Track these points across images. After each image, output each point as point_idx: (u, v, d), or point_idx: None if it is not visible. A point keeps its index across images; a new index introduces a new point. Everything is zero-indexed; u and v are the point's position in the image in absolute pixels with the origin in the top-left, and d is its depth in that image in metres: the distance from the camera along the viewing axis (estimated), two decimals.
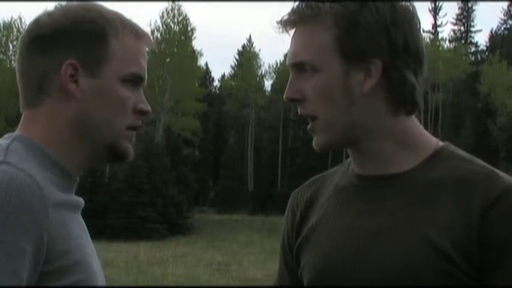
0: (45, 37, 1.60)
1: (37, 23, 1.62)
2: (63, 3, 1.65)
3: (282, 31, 1.71)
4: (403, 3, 1.68)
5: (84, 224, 1.65)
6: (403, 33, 1.65)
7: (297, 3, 1.69)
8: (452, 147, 1.74)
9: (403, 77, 1.66)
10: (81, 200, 1.65)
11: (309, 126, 1.70)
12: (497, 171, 1.67)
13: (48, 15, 1.62)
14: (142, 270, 26.51)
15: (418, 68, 1.68)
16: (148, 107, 1.66)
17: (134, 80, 1.63)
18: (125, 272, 24.46)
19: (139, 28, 1.67)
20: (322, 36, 1.65)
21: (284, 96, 1.71)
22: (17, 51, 1.64)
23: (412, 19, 1.68)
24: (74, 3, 1.64)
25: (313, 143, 1.71)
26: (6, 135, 1.61)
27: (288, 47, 1.72)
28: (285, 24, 1.69)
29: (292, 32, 1.71)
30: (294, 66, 1.69)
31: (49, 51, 1.59)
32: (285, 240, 1.87)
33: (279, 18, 1.70)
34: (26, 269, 1.42)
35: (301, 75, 1.68)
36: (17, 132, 1.62)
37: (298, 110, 1.71)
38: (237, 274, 25.96)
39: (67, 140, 1.60)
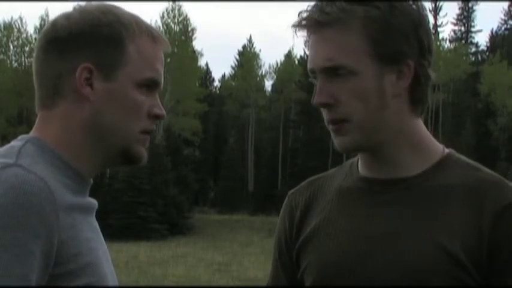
0: (61, 39, 1.59)
1: (54, 24, 1.61)
2: (82, 3, 1.64)
3: (301, 31, 1.66)
4: (418, 2, 1.68)
5: (98, 226, 1.64)
6: (426, 33, 1.67)
7: (320, 3, 1.65)
8: (457, 155, 1.75)
9: (428, 76, 1.68)
10: (94, 202, 1.64)
11: (334, 127, 1.67)
12: (505, 179, 1.68)
13: (65, 17, 1.61)
14: (143, 270, 26.51)
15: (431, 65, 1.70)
16: (163, 111, 1.65)
17: (150, 85, 1.62)
18: (126, 272, 24.46)
19: (156, 32, 1.65)
20: (358, 39, 1.63)
21: (315, 101, 1.66)
22: (34, 51, 1.64)
23: (428, 19, 1.70)
24: (92, 5, 1.63)
25: (338, 144, 1.68)
26: (20, 137, 1.61)
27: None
28: (314, 24, 1.64)
29: (311, 33, 1.66)
30: (326, 70, 1.65)
31: (65, 53, 1.58)
32: (282, 240, 1.85)
33: (300, 17, 1.66)
34: (35, 272, 1.42)
35: (332, 79, 1.64)
36: (31, 133, 1.61)
37: (328, 114, 1.66)
38: (237, 274, 25.96)
39: (80, 142, 1.59)
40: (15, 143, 1.57)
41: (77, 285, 1.49)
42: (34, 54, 1.64)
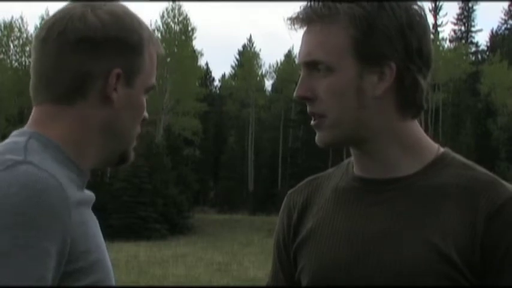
0: (96, 40, 1.57)
1: (84, 22, 1.57)
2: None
3: (292, 28, 1.69)
4: (416, 5, 1.67)
5: (96, 218, 1.63)
6: (417, 36, 1.65)
7: (310, 1, 1.67)
8: (452, 154, 1.74)
9: (415, 81, 1.66)
10: (93, 195, 1.64)
11: (314, 122, 1.69)
12: (499, 178, 1.68)
13: (94, 15, 1.58)
14: (143, 270, 26.51)
15: (426, 71, 1.68)
16: (147, 114, 1.68)
17: (150, 90, 1.66)
18: (126, 272, 24.47)
19: (154, 35, 1.67)
20: (339, 37, 1.64)
21: (295, 94, 1.69)
22: (51, 44, 1.58)
23: (425, 22, 1.68)
24: (117, 6, 1.62)
25: (317, 139, 1.70)
26: (19, 132, 1.59)
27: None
28: (300, 21, 1.68)
29: (299, 29, 1.69)
30: (307, 65, 1.68)
31: (97, 55, 1.57)
32: (281, 240, 1.86)
33: (290, 15, 1.68)
34: (51, 273, 1.41)
35: (313, 74, 1.67)
36: (32, 128, 1.58)
37: (308, 108, 1.69)
38: (237, 274, 25.96)
39: (88, 143, 1.59)
40: (18, 138, 1.55)
41: (86, 283, 1.48)
42: (53, 47, 1.58)
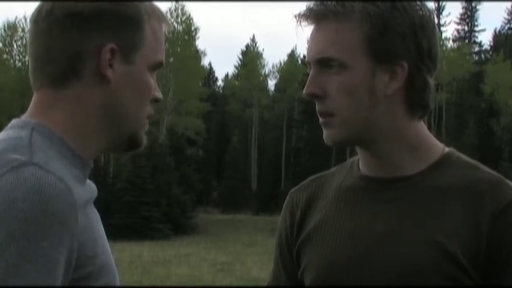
0: (84, 15, 1.47)
1: None
2: None
3: (299, 25, 1.67)
4: (424, 6, 1.68)
5: (97, 212, 1.56)
6: (427, 37, 1.66)
7: None
8: (457, 153, 1.75)
9: (425, 82, 1.67)
10: (94, 188, 1.57)
11: (322, 120, 1.68)
12: (504, 178, 1.68)
13: None
14: (146, 270, 26.54)
15: (434, 72, 1.69)
16: (161, 94, 1.60)
17: (157, 67, 1.57)
18: (129, 271, 24.48)
19: (160, 10, 1.59)
20: (353, 34, 1.63)
21: (304, 91, 1.68)
22: (41, 24, 1.50)
23: (433, 23, 1.69)
24: None
25: (325, 137, 1.69)
26: (20, 122, 1.50)
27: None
28: (313, 17, 1.66)
29: (307, 26, 1.68)
30: (318, 62, 1.66)
31: (87, 31, 1.48)
32: (283, 239, 1.85)
33: (299, 12, 1.67)
34: (59, 281, 1.34)
35: (324, 72, 1.66)
36: (33, 117, 1.50)
37: (317, 106, 1.68)
38: (240, 274, 25.97)
39: (89, 127, 1.50)
40: (21, 133, 1.45)
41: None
42: (43, 28, 1.50)
